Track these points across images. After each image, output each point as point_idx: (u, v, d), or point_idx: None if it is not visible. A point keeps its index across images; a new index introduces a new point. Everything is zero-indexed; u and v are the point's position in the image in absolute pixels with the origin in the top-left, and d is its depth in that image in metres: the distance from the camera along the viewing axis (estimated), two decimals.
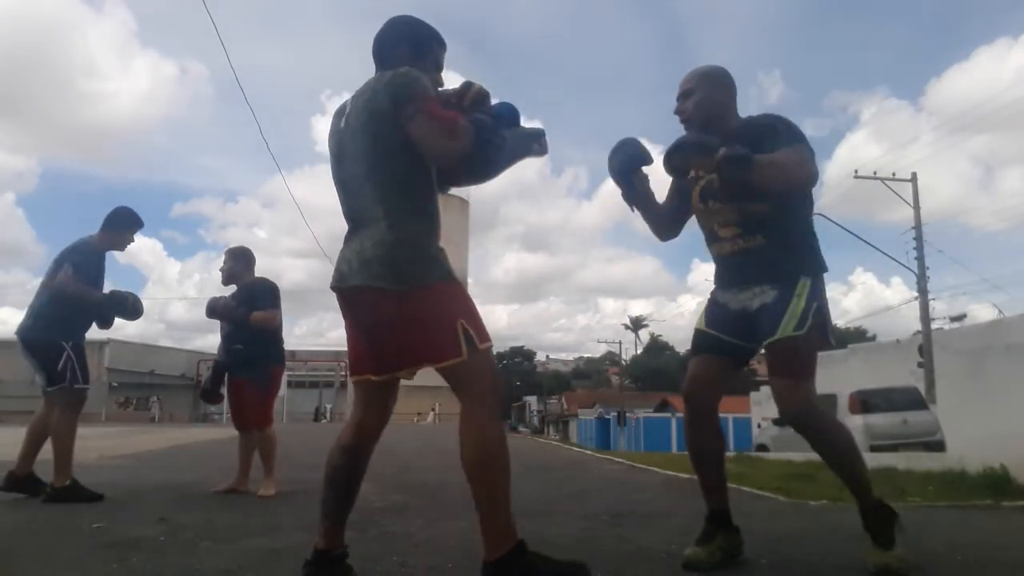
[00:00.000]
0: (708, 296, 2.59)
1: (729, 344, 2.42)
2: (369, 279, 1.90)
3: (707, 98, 2.42)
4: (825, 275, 2.37)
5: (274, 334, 4.46)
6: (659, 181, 2.57)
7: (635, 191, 2.51)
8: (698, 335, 2.50)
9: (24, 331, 3.99)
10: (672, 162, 2.30)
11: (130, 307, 4.16)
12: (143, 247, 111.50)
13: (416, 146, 1.91)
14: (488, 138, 2.01)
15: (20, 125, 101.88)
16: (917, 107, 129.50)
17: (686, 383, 2.47)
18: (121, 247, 4.23)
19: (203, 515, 3.38)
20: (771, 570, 2.33)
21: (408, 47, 2.10)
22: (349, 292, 1.98)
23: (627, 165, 2.48)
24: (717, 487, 2.44)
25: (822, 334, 2.30)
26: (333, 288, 2.03)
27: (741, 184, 2.23)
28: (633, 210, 2.56)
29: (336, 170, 2.08)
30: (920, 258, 20.04)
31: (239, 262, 4.58)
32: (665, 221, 2.63)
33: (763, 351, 2.36)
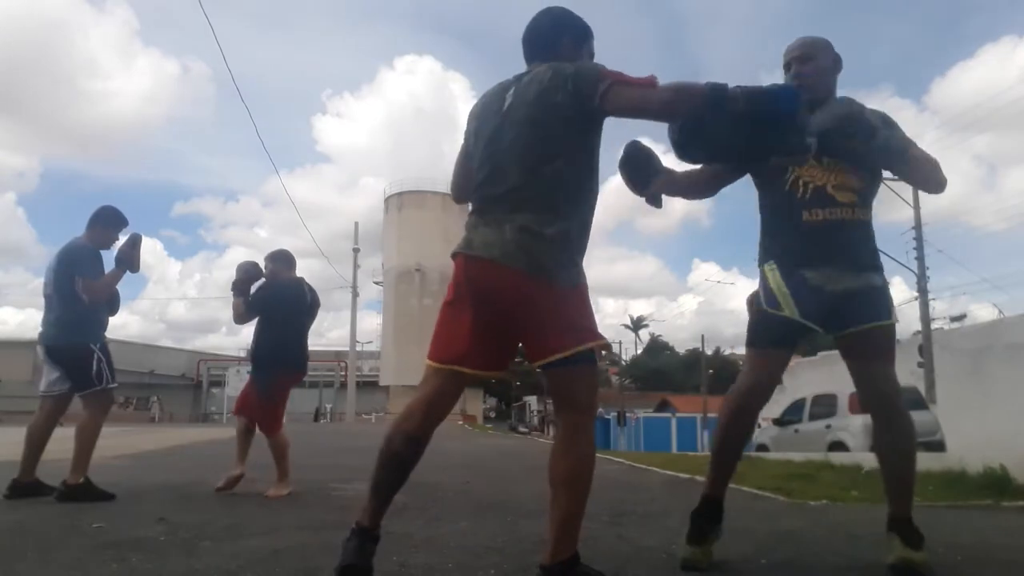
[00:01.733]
0: (780, 275, 2.28)
1: (809, 332, 2.29)
2: (530, 266, 1.86)
3: (826, 68, 2.33)
4: None
5: (286, 340, 4.44)
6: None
7: (659, 199, 2.40)
8: (781, 325, 2.26)
9: (51, 339, 4.02)
10: (822, 143, 2.07)
11: (134, 261, 4.19)
12: (143, 247, 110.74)
13: (632, 115, 1.92)
14: (718, 102, 1.81)
15: (21, 124, 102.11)
16: (921, 106, 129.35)
17: (759, 382, 2.28)
18: (107, 246, 4.24)
19: (203, 515, 3.38)
20: (771, 570, 2.32)
21: (570, 39, 2.12)
22: (498, 272, 1.89)
23: (645, 180, 2.38)
24: (729, 477, 2.46)
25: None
26: (465, 253, 1.95)
27: (873, 160, 2.23)
28: (660, 206, 2.43)
29: (485, 150, 2.02)
30: (920, 258, 20.05)
31: (279, 263, 4.63)
32: (701, 187, 2.48)
33: (860, 334, 2.27)
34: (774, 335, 2.28)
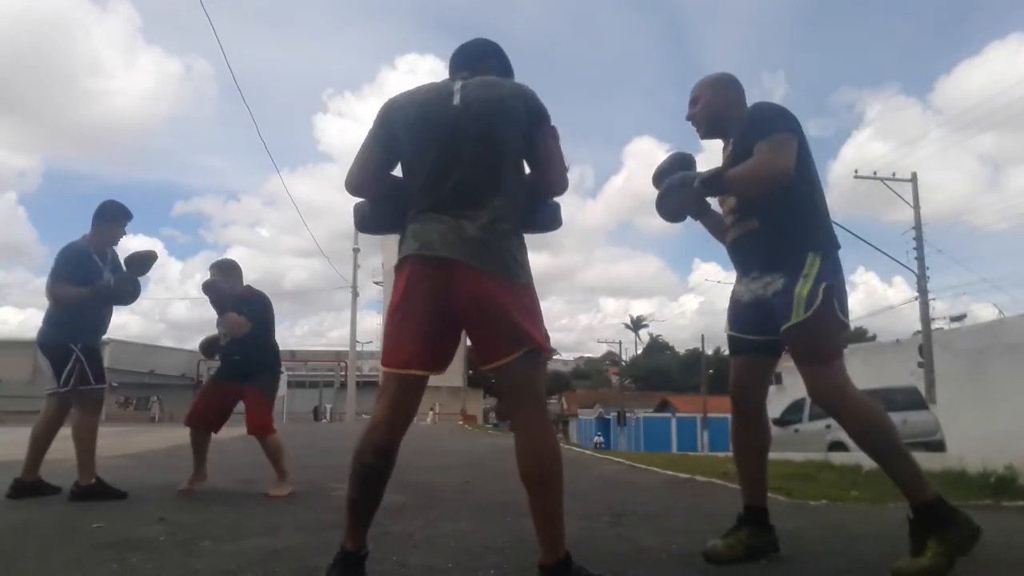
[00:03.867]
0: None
1: (756, 341, 2.46)
2: (485, 264, 1.89)
3: (712, 101, 2.55)
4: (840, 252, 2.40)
5: (269, 346, 4.52)
6: None
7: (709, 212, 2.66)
8: (729, 339, 2.58)
9: (39, 336, 4.08)
10: (665, 211, 2.46)
11: (118, 293, 4.15)
12: (143, 247, 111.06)
13: (539, 162, 2.07)
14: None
15: (23, 123, 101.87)
16: (926, 104, 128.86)
17: (731, 386, 2.54)
18: (114, 240, 4.26)
19: (203, 515, 3.38)
20: (771, 570, 2.32)
21: (496, 61, 2.22)
22: (438, 263, 1.90)
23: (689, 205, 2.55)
24: (758, 482, 2.52)
25: (833, 313, 2.26)
26: (420, 254, 1.92)
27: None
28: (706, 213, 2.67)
29: (438, 141, 1.99)
30: (920, 258, 20.04)
31: (235, 276, 4.61)
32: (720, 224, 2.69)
33: (783, 339, 2.35)
34: (730, 347, 2.59)
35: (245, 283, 4.66)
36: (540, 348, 1.92)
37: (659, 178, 2.56)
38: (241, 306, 4.43)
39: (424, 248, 1.92)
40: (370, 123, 2.13)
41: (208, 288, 4.47)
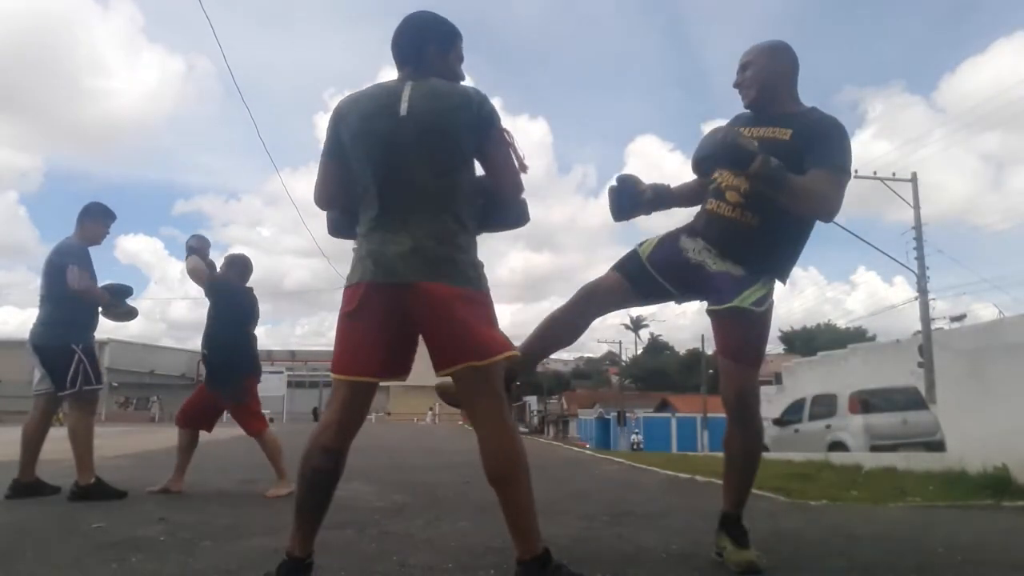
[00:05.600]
0: (667, 231, 2.56)
1: (658, 286, 2.46)
2: (434, 276, 1.87)
3: (764, 70, 2.44)
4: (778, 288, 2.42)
5: (239, 344, 4.44)
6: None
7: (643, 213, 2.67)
8: (633, 260, 2.50)
9: (36, 337, 4.04)
10: (703, 167, 2.38)
11: (126, 305, 4.28)
12: (144, 247, 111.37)
13: (491, 170, 2.03)
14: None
15: (25, 123, 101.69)
16: (930, 102, 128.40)
17: (589, 288, 2.50)
18: (98, 241, 4.27)
19: (203, 515, 3.38)
20: (771, 570, 2.32)
21: (435, 46, 2.09)
22: (401, 290, 1.88)
23: (627, 213, 2.65)
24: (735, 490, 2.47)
25: (768, 326, 2.36)
26: (375, 282, 1.90)
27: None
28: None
29: (382, 156, 1.96)
30: (920, 258, 20.02)
31: (235, 270, 4.64)
32: (696, 198, 2.65)
33: (716, 318, 2.35)
34: (628, 266, 2.51)
35: (247, 285, 4.68)
36: (499, 353, 1.88)
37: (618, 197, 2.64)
38: (216, 293, 4.46)
39: (386, 276, 1.89)
40: None
41: (196, 243, 4.52)
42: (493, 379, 1.91)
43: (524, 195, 2.16)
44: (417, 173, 1.93)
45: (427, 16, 2.13)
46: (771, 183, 2.18)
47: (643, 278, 2.47)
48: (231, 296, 4.50)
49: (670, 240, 2.50)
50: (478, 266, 1.98)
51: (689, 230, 2.49)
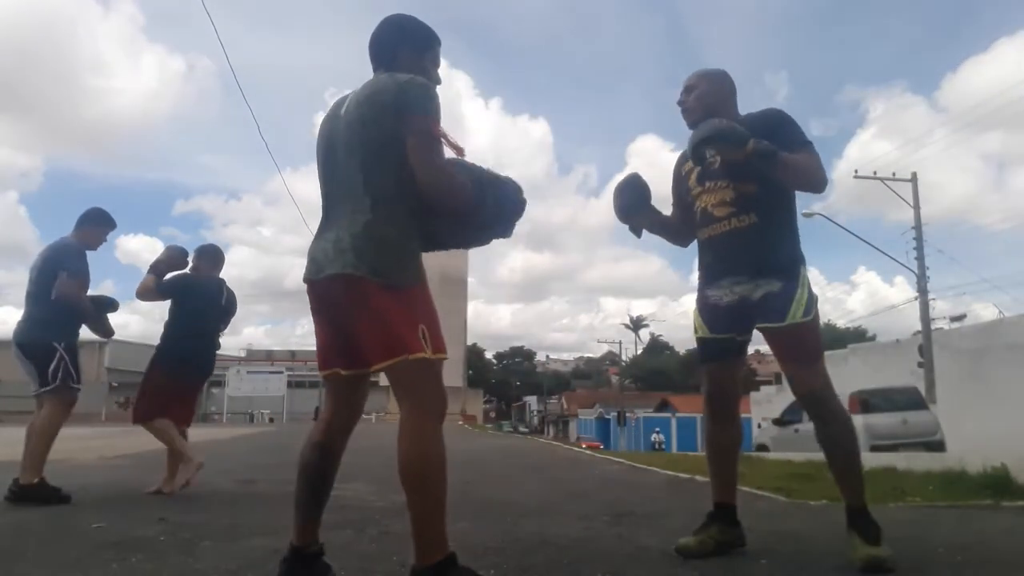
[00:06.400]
0: (696, 302, 2.65)
1: (732, 343, 2.53)
2: (345, 267, 1.85)
3: (707, 92, 2.60)
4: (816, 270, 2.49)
5: (192, 334, 4.37)
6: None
7: (640, 230, 2.74)
8: (702, 343, 2.59)
9: (19, 335, 4.02)
10: (698, 151, 2.42)
11: (105, 320, 4.25)
12: (144, 246, 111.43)
13: (412, 161, 1.89)
14: (479, 202, 2.02)
15: (26, 123, 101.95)
16: (932, 102, 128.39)
17: (708, 391, 2.61)
18: (95, 246, 4.25)
19: (203, 515, 3.38)
20: (771, 570, 2.33)
21: (409, 48, 2.08)
22: (324, 282, 1.91)
23: (631, 211, 2.71)
24: (729, 479, 2.63)
25: (819, 320, 2.43)
26: (306, 280, 1.97)
27: (751, 168, 2.35)
28: (639, 236, 2.77)
29: (324, 158, 2.04)
30: (920, 258, 20.01)
31: (204, 260, 4.61)
32: (681, 229, 2.76)
33: (770, 334, 2.42)
34: (705, 352, 2.60)
35: (220, 275, 4.66)
36: (401, 355, 1.81)
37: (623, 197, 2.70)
38: (183, 279, 4.44)
39: (313, 272, 1.94)
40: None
41: (166, 258, 4.44)
42: (405, 380, 1.84)
43: (506, 204, 2.09)
44: (346, 169, 1.95)
45: (404, 18, 2.13)
46: (767, 157, 2.29)
47: (724, 348, 2.54)
48: (189, 283, 4.45)
49: (703, 304, 2.58)
50: (405, 260, 1.89)
51: (705, 281, 2.59)
